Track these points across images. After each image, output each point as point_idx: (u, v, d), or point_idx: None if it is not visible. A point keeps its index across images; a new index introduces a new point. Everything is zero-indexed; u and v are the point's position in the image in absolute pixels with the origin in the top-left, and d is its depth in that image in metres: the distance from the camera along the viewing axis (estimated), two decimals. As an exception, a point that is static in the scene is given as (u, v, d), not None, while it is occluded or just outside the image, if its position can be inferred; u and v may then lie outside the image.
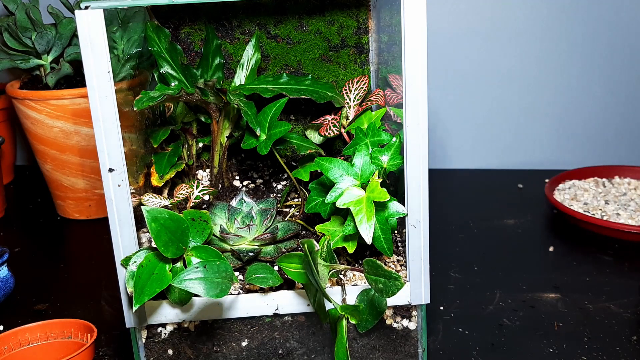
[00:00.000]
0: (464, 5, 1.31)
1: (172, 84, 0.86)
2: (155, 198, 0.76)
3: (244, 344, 0.72)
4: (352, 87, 0.82)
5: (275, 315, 0.71)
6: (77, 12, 0.60)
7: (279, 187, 0.89)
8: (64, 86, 1.17)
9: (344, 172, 0.70)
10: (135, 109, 0.71)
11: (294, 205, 0.85)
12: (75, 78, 1.19)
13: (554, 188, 1.20)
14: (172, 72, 0.86)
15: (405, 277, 0.71)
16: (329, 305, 0.68)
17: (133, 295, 0.65)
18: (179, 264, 0.67)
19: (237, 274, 0.72)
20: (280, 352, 0.72)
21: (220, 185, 0.87)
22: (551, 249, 1.04)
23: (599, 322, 0.84)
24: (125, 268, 0.67)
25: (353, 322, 0.62)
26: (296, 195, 0.86)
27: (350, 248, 0.70)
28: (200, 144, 0.92)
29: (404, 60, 0.64)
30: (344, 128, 0.81)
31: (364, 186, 0.69)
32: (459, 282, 0.95)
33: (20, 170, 1.48)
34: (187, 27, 0.89)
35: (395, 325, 0.73)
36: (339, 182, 0.70)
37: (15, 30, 1.13)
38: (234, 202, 0.79)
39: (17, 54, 1.16)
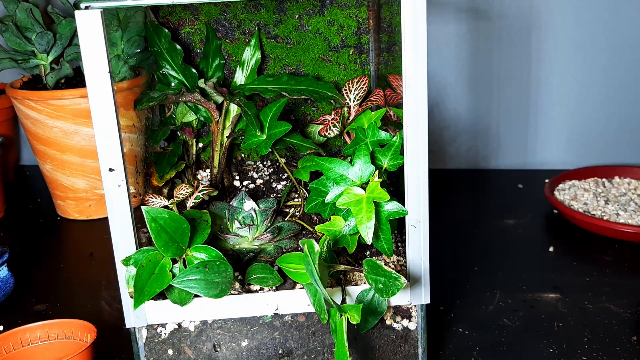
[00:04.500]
0: (466, 4, 1.31)
1: (172, 84, 0.86)
2: (156, 198, 0.76)
3: (244, 344, 0.72)
4: (352, 87, 0.82)
5: (275, 315, 0.71)
6: (76, 12, 0.60)
7: (279, 187, 0.89)
8: (64, 86, 1.17)
9: (344, 172, 0.70)
10: (135, 109, 0.71)
11: (294, 205, 0.85)
12: (75, 78, 1.19)
13: (554, 188, 1.20)
14: (172, 72, 0.86)
15: (405, 277, 0.71)
16: (329, 305, 0.68)
17: (133, 295, 0.65)
18: (179, 264, 0.67)
19: (237, 274, 0.72)
20: (280, 352, 0.72)
21: (220, 185, 0.88)
22: (551, 249, 1.04)
23: (599, 322, 0.84)
24: (126, 268, 0.67)
25: (353, 322, 0.62)
26: (296, 195, 0.86)
27: (350, 248, 0.70)
28: (200, 144, 0.92)
29: (404, 60, 0.64)
30: (344, 128, 0.81)
31: (363, 186, 0.69)
32: (459, 282, 0.95)
33: (20, 170, 1.48)
34: (187, 27, 0.89)
35: (395, 325, 0.73)
36: (339, 182, 0.70)
37: (15, 30, 1.13)
38: (234, 202, 0.79)
39: (17, 54, 1.16)
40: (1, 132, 1.35)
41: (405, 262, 0.71)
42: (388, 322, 0.72)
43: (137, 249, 0.67)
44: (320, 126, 0.84)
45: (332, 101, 0.83)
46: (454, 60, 1.35)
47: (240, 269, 0.73)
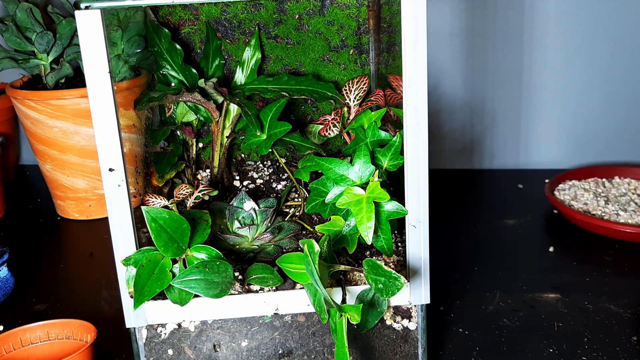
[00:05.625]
0: (466, 5, 1.31)
1: (172, 84, 0.86)
2: (156, 198, 0.76)
3: (244, 344, 0.72)
4: (352, 87, 0.82)
5: (275, 315, 0.71)
6: (76, 12, 0.60)
7: (279, 187, 0.89)
8: (64, 86, 1.17)
9: (344, 172, 0.70)
10: (135, 109, 0.71)
11: (294, 205, 0.85)
12: (75, 78, 1.19)
13: (554, 188, 1.20)
14: (172, 72, 0.86)
15: (405, 277, 0.71)
16: (329, 305, 0.68)
17: (133, 295, 0.65)
18: (179, 264, 0.67)
19: (237, 274, 0.72)
20: (280, 352, 0.72)
21: (220, 185, 0.88)
22: (551, 249, 1.04)
23: (599, 322, 0.84)
24: (126, 268, 0.67)
25: (353, 322, 0.62)
26: (296, 195, 0.86)
27: (350, 248, 0.70)
28: (200, 144, 0.92)
29: (404, 60, 0.64)
30: (344, 128, 0.81)
31: (363, 186, 0.69)
32: (459, 282, 0.95)
33: (20, 170, 1.48)
34: (187, 27, 0.89)
35: (395, 325, 0.73)
36: (339, 182, 0.70)
37: (15, 30, 1.13)
38: (234, 202, 0.79)
39: (17, 53, 1.16)
40: (1, 132, 1.35)
41: (405, 262, 0.71)
42: (388, 322, 0.72)
43: (137, 249, 0.67)
44: (320, 126, 0.84)
45: (332, 101, 0.83)
46: (452, 56, 1.35)
47: (240, 269, 0.73)
